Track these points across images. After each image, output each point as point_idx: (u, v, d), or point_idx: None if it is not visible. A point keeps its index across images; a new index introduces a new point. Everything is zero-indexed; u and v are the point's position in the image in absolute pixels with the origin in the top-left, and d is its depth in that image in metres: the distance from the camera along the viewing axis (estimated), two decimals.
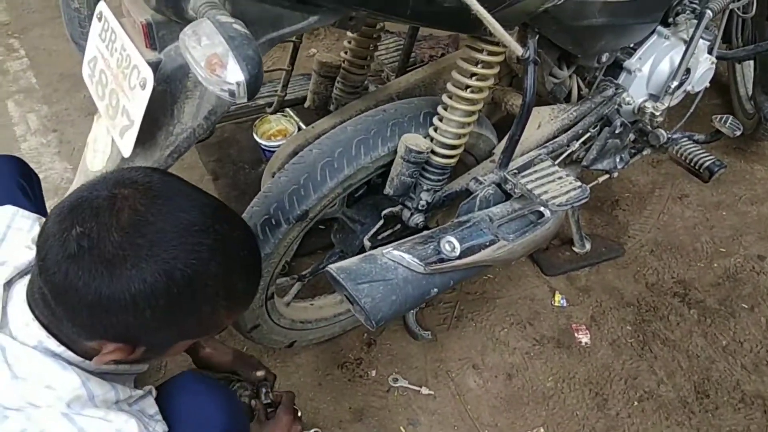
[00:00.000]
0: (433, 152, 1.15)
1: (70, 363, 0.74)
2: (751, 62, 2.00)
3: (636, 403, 1.44)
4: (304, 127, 1.40)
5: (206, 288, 0.71)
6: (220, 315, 0.76)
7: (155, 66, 0.79)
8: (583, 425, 1.39)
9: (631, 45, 1.40)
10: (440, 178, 1.20)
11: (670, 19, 1.40)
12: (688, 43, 1.35)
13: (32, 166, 1.17)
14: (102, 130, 0.92)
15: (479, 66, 1.09)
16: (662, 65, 1.40)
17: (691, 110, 1.53)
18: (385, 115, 1.16)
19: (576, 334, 1.56)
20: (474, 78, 1.10)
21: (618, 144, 1.47)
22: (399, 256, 1.07)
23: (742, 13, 1.59)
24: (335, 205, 1.28)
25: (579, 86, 1.44)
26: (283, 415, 1.07)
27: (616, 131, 1.42)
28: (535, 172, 1.25)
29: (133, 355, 0.74)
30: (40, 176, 1.19)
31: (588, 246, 1.72)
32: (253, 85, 0.68)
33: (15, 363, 0.72)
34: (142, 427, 0.76)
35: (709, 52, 1.47)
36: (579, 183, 1.23)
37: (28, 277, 0.77)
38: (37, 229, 0.84)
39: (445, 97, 1.14)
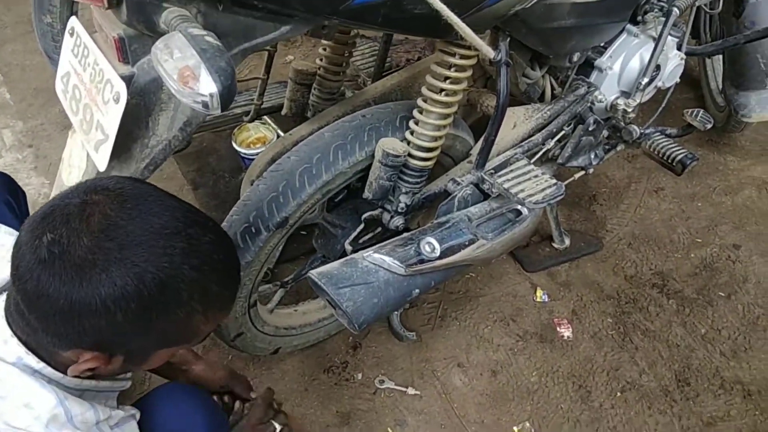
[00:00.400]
0: (410, 155, 1.17)
1: (50, 380, 0.74)
2: (721, 57, 2.04)
3: (619, 393, 1.47)
4: (282, 134, 1.40)
5: (180, 292, 0.71)
6: (197, 321, 0.75)
7: (128, 80, 0.79)
8: (567, 418, 1.41)
9: (602, 44, 1.43)
10: (418, 180, 1.21)
11: (639, 18, 1.43)
12: (657, 41, 1.38)
13: None
14: (77, 145, 0.92)
15: (452, 70, 1.11)
16: (632, 63, 1.43)
17: (663, 105, 1.56)
18: (362, 121, 1.17)
19: (558, 329, 1.59)
20: (448, 81, 1.12)
21: (592, 141, 1.50)
22: (380, 259, 1.08)
23: (709, 9, 1.63)
24: (315, 210, 1.29)
25: (552, 86, 1.46)
26: (253, 412, 1.07)
27: (590, 128, 1.45)
28: (512, 171, 1.27)
29: (111, 365, 0.74)
30: None
31: (567, 242, 1.75)
32: (227, 96, 0.69)
33: None
34: None
35: (678, 49, 1.50)
36: (554, 180, 1.25)
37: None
38: None
39: (420, 101, 1.16)
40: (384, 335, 1.54)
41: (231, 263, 0.80)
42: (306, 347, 1.48)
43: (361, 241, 1.30)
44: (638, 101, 1.44)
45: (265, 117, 1.62)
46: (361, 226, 1.27)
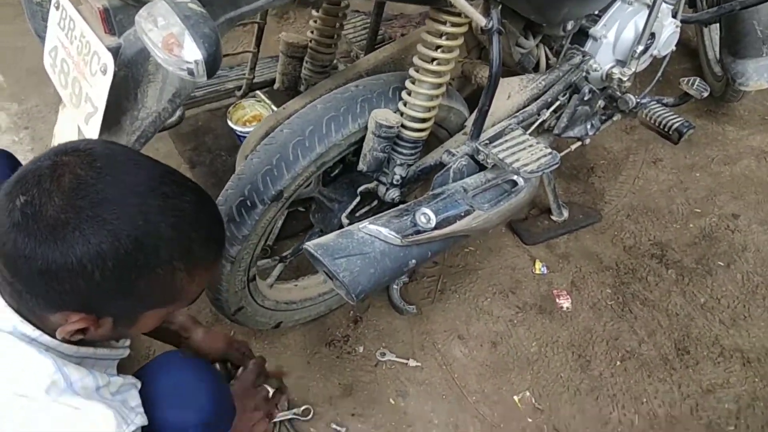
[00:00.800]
0: (403, 126, 1.16)
1: (48, 348, 0.74)
2: (718, 26, 2.02)
3: (618, 362, 1.47)
4: (276, 109, 1.40)
5: (158, 250, 0.71)
6: (180, 280, 0.75)
7: (115, 51, 0.79)
8: (567, 387, 1.42)
9: (596, 12, 1.42)
10: (412, 152, 1.21)
11: None
12: (651, 8, 1.36)
13: None
14: (67, 119, 0.92)
15: (444, 38, 1.10)
16: (627, 31, 1.42)
17: (659, 74, 1.55)
18: (354, 92, 1.16)
19: (557, 300, 1.59)
20: (439, 50, 1.11)
21: (588, 111, 1.49)
22: (375, 230, 1.08)
23: None
24: (311, 184, 1.29)
25: (546, 55, 1.45)
26: (245, 375, 1.09)
27: (585, 98, 1.44)
28: (506, 141, 1.27)
29: (100, 328, 0.74)
30: None
31: (566, 214, 1.75)
32: (212, 63, 0.69)
33: None
34: (120, 419, 0.75)
35: (674, 17, 1.48)
36: (549, 150, 1.25)
37: None
38: None
39: (412, 71, 1.15)
40: (384, 309, 1.55)
41: (212, 221, 0.79)
42: (307, 321, 1.49)
43: (357, 214, 1.30)
44: (633, 70, 1.43)
45: (258, 92, 1.62)
46: (357, 199, 1.28)
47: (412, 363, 1.45)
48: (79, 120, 0.86)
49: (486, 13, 1.06)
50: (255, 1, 0.82)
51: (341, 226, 1.28)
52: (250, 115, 1.73)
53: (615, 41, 1.43)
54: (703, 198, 1.87)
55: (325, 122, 1.12)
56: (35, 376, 0.72)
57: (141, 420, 0.80)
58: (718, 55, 2.04)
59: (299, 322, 1.47)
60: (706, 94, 1.55)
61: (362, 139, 1.17)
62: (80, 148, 0.71)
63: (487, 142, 1.25)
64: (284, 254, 1.42)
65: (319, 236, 1.35)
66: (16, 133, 2.00)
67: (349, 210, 1.28)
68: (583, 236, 1.75)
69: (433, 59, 1.12)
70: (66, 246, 0.66)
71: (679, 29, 1.50)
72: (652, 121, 1.56)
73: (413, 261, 1.13)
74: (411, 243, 1.10)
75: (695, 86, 1.55)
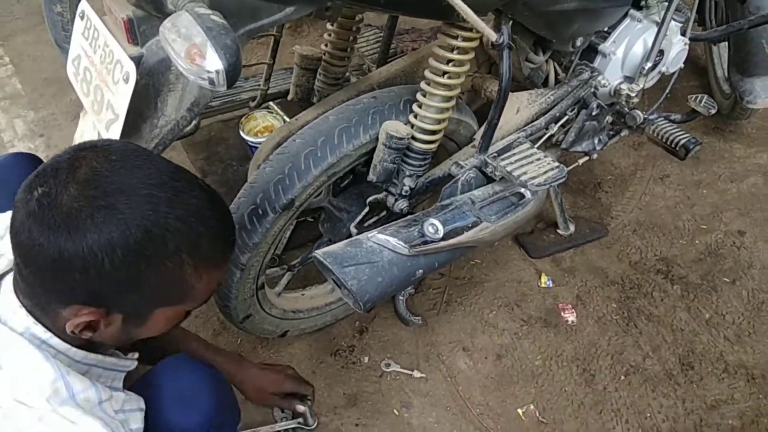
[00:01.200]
0: (413, 138, 1.18)
1: (56, 353, 0.75)
2: (727, 44, 2.04)
3: (623, 377, 1.48)
4: (288, 120, 1.42)
5: (166, 241, 0.72)
6: (188, 276, 0.76)
7: (138, 60, 0.82)
8: (571, 401, 1.43)
9: (605, 29, 1.44)
10: (422, 163, 1.23)
11: (642, 2, 1.43)
12: (660, 25, 1.38)
13: None
14: (88, 125, 0.94)
15: (455, 52, 1.12)
16: (636, 48, 1.44)
17: (667, 91, 1.56)
18: (366, 104, 1.18)
19: (562, 314, 1.60)
20: (450, 64, 1.13)
21: (596, 126, 1.51)
22: (384, 240, 1.09)
23: None
24: (321, 194, 1.31)
25: (556, 71, 1.47)
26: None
27: (593, 113, 1.46)
28: (515, 154, 1.29)
29: (109, 324, 0.75)
30: None
31: (572, 228, 1.76)
32: (232, 73, 0.71)
33: (2, 351, 0.73)
34: None
35: (683, 34, 1.50)
36: (557, 163, 1.26)
37: None
38: None
39: (423, 84, 1.17)
40: (390, 320, 1.56)
41: (222, 218, 0.81)
42: (313, 331, 1.50)
43: (366, 224, 1.32)
44: (641, 86, 1.45)
45: (271, 103, 1.65)
46: (366, 209, 1.29)
47: (416, 374, 1.46)
48: (100, 127, 0.88)
49: (497, 29, 1.08)
50: (274, 14, 0.85)
51: (350, 236, 1.30)
52: (261, 126, 1.76)
53: (624, 58, 1.45)
54: (709, 214, 1.88)
55: (336, 133, 1.14)
56: (38, 382, 0.72)
57: None
58: (726, 73, 2.06)
59: (305, 331, 1.49)
60: (713, 111, 1.56)
61: (373, 150, 1.18)
62: (98, 145, 0.73)
63: (495, 155, 1.27)
64: (292, 263, 1.44)
65: (328, 245, 1.38)
66: (32, 141, 2.03)
67: (358, 220, 1.29)
68: (589, 251, 1.76)
69: (444, 73, 1.14)
70: (78, 234, 0.68)
71: (687, 47, 1.52)
72: (660, 137, 1.57)
73: (420, 271, 1.14)
74: (418, 253, 1.12)
75: (703, 103, 1.57)
